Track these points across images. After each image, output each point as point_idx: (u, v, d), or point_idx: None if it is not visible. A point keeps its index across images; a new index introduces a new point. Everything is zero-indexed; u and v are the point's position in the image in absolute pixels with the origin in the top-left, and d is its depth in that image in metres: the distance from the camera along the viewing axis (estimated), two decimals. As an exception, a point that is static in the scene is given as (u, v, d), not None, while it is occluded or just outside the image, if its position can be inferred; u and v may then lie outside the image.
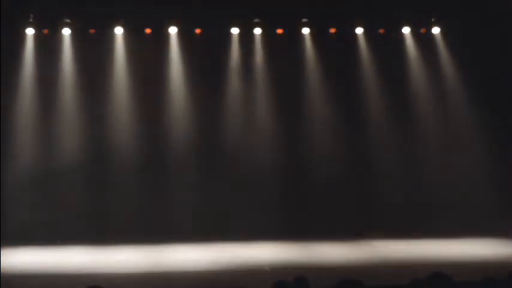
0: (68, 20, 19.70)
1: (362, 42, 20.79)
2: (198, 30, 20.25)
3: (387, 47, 20.65)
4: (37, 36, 19.79)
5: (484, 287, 7.62)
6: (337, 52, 20.51)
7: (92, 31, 19.89)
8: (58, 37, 19.88)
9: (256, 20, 20.36)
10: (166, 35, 20.29)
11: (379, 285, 9.00)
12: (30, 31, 19.68)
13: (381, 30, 20.74)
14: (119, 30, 20.05)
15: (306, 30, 20.65)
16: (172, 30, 20.25)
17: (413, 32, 20.89)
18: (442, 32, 20.79)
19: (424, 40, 20.90)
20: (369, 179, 20.59)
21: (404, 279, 8.15)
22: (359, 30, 20.74)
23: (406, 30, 20.86)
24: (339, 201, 20.15)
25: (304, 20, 20.47)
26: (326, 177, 20.40)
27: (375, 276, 13.46)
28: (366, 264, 15.59)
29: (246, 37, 20.55)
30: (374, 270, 14.63)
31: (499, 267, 14.12)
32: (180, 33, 20.28)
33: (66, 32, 19.82)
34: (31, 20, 19.53)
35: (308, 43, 20.74)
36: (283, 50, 20.50)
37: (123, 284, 13.47)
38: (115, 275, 14.49)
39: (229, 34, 20.50)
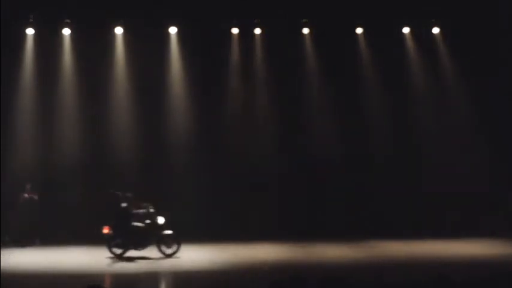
0: (68, 20, 19.71)
1: (362, 42, 20.81)
2: (198, 30, 20.24)
3: (387, 47, 20.64)
4: (37, 36, 19.80)
5: (484, 286, 7.63)
6: (337, 52, 20.50)
7: (91, 31, 19.89)
8: (58, 37, 19.90)
9: (256, 20, 20.38)
10: (167, 35, 20.31)
11: (364, 282, 8.97)
12: (30, 31, 19.70)
13: (381, 30, 20.73)
14: (119, 30, 20.09)
15: (306, 30, 20.67)
16: (172, 30, 20.27)
17: (413, 32, 20.91)
18: (442, 32, 20.81)
19: (424, 40, 20.91)
20: (369, 178, 20.57)
21: (405, 279, 8.16)
22: (359, 30, 20.76)
23: (406, 30, 20.88)
24: (338, 201, 20.14)
25: (304, 20, 20.48)
26: (326, 177, 20.41)
27: (374, 275, 13.48)
28: (366, 264, 15.59)
29: (246, 37, 20.56)
30: (374, 270, 14.63)
31: (499, 266, 14.14)
32: (180, 33, 20.30)
33: (66, 32, 19.85)
34: (31, 20, 19.54)
35: (308, 43, 20.75)
36: (283, 50, 20.50)
37: (123, 284, 13.47)
38: (115, 275, 14.53)
39: (229, 34, 20.52)
